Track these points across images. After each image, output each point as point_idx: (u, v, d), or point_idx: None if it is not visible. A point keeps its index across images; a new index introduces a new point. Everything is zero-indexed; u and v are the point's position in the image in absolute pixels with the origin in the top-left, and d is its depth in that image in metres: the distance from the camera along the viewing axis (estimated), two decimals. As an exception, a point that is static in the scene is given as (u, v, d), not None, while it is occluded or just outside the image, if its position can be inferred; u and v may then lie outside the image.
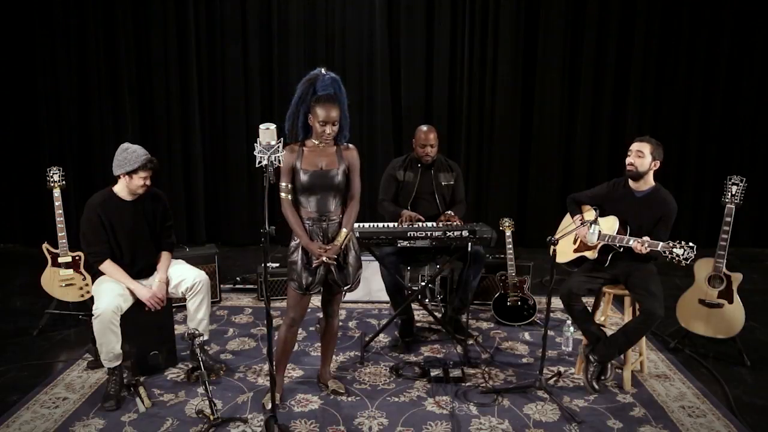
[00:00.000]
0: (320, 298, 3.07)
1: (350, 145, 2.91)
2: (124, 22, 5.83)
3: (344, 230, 2.85)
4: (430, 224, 3.52)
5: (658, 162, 3.10)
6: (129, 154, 3.06)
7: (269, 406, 2.87)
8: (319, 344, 3.68)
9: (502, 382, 3.25)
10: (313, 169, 2.78)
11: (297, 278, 2.82)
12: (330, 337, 3.14)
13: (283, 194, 2.81)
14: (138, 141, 3.46)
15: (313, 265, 2.80)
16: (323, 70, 2.77)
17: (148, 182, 3.13)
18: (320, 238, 2.83)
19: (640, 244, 2.92)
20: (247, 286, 4.74)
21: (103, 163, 5.88)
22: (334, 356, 3.53)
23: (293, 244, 2.85)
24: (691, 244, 2.80)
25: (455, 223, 3.50)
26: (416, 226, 3.47)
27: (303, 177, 2.78)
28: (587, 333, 3.18)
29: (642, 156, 3.08)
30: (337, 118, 2.74)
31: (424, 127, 3.78)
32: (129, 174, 3.07)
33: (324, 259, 2.77)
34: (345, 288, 2.93)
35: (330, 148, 2.84)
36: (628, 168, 3.13)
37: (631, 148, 3.13)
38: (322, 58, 6.02)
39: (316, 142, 2.81)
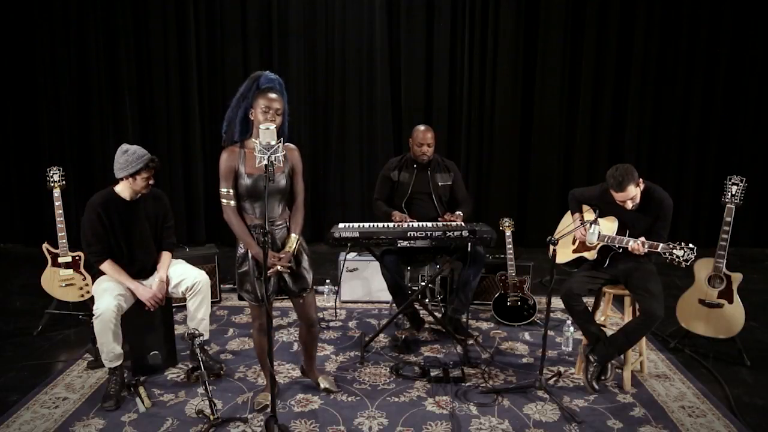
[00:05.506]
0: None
1: (291, 145, 2.73)
2: (124, 22, 5.83)
3: (294, 236, 2.71)
4: (430, 224, 3.52)
5: (640, 180, 3.00)
6: (129, 156, 3.05)
7: (259, 408, 2.89)
8: (320, 345, 3.71)
9: (502, 382, 3.24)
10: (257, 173, 2.56)
11: (251, 290, 2.70)
12: (312, 341, 3.03)
13: (224, 201, 2.63)
14: (138, 141, 3.47)
15: (268, 275, 2.58)
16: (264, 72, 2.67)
17: (151, 181, 3.14)
18: (269, 245, 2.62)
19: (641, 245, 2.90)
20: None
21: (103, 163, 5.88)
22: (334, 356, 3.55)
23: (240, 253, 2.71)
24: (691, 245, 2.78)
25: (455, 223, 3.50)
26: (415, 225, 3.48)
27: (246, 181, 2.61)
28: (587, 333, 3.18)
29: (634, 198, 3.00)
30: (281, 108, 2.57)
31: (422, 127, 3.79)
32: (132, 176, 3.07)
33: (278, 268, 2.63)
34: (304, 294, 2.80)
35: None
36: (629, 209, 3.06)
37: (620, 199, 2.98)
38: (322, 57, 6.04)
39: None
